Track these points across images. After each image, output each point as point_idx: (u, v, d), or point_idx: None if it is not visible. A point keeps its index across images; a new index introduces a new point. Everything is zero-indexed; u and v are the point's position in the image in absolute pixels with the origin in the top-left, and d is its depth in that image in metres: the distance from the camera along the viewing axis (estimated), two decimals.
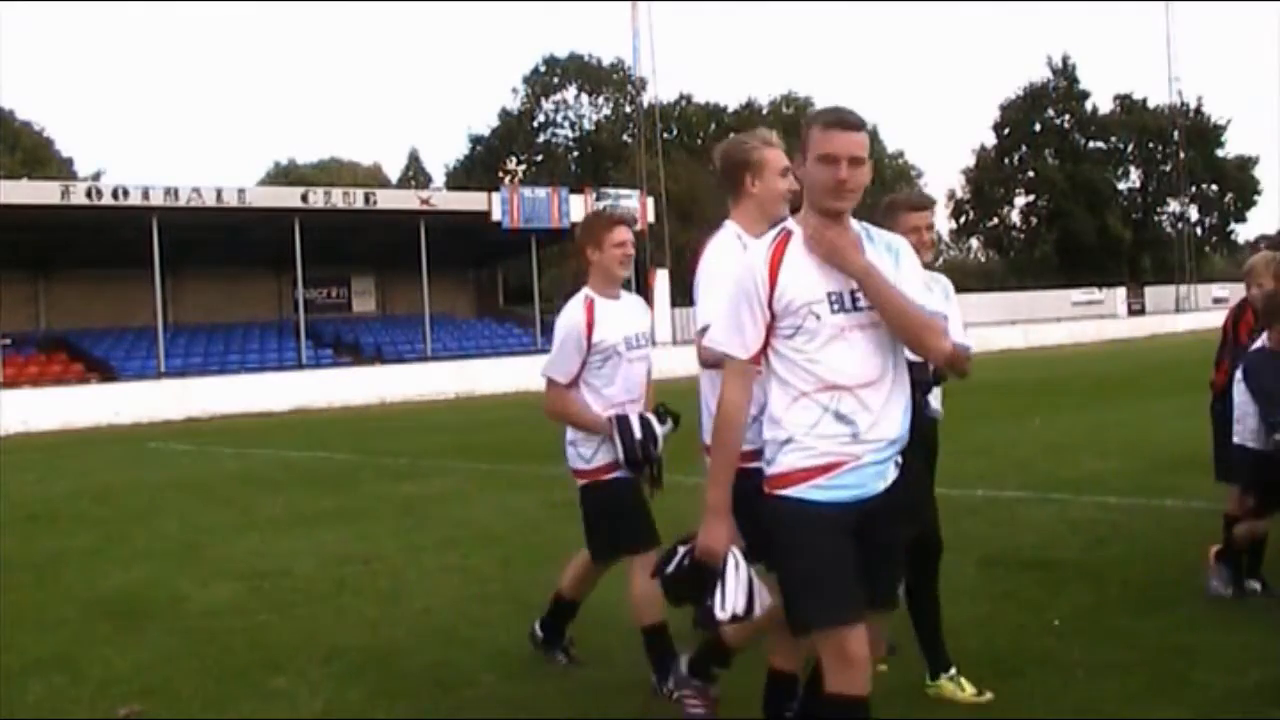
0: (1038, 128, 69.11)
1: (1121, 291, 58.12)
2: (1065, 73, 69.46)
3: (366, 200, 33.87)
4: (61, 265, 34.65)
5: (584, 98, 61.77)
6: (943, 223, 71.44)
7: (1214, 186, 70.96)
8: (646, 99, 51.88)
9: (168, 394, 27.92)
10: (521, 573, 7.01)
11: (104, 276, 34.80)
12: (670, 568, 3.22)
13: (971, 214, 72.69)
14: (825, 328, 2.94)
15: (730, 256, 3.50)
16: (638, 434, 4.51)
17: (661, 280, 40.26)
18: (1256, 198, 71.52)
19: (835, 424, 2.93)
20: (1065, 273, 62.98)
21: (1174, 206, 70.67)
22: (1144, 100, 70.01)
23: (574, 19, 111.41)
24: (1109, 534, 7.12)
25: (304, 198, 32.90)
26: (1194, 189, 68.31)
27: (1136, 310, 57.08)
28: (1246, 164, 70.68)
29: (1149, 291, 61.06)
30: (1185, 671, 4.36)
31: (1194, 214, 70.29)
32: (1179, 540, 6.72)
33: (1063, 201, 66.94)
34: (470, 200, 36.89)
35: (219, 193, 30.91)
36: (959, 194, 72.42)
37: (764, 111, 64.57)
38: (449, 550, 7.92)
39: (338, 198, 33.31)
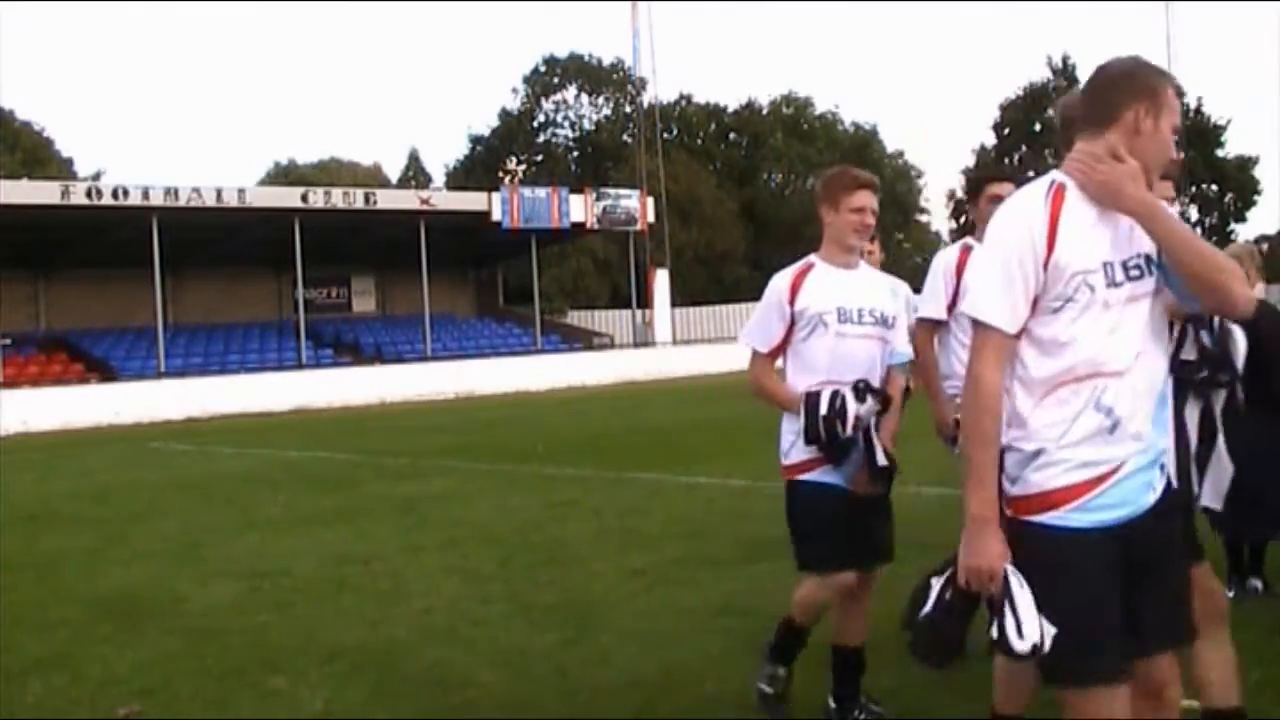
0: (1038, 128, 69.14)
1: None
2: (1065, 73, 69.39)
3: (366, 200, 33.89)
4: (61, 265, 34.67)
5: (584, 98, 61.70)
6: (942, 223, 71.43)
7: (1214, 186, 70.95)
8: (646, 99, 51.93)
9: (168, 394, 27.94)
10: (521, 573, 7.01)
11: (104, 276, 34.82)
12: (929, 610, 2.63)
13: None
14: (1096, 303, 2.50)
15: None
16: (823, 410, 3.94)
17: (661, 280, 40.30)
18: (1256, 198, 71.49)
19: (1096, 423, 2.50)
20: None
21: (1174, 207, 70.64)
22: None
23: (574, 19, 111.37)
24: None
25: (304, 198, 32.92)
26: (1194, 189, 68.34)
27: None
28: (1246, 164, 70.66)
29: None
30: (1185, 671, 4.35)
31: (1194, 214, 70.29)
32: None
33: None
34: (470, 200, 36.91)
35: (219, 193, 30.92)
36: (959, 194, 72.54)
37: (764, 112, 64.58)
38: (449, 550, 7.92)
39: (338, 198, 33.33)
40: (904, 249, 63.28)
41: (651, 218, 39.83)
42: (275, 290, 38.83)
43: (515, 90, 63.25)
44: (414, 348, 36.63)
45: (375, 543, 8.42)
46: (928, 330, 4.66)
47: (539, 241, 38.41)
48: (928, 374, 4.65)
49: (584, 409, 23.00)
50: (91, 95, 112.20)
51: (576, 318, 46.10)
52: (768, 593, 6.12)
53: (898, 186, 67.29)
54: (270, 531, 9.22)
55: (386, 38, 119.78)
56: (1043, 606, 2.47)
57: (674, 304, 41.50)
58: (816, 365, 4.06)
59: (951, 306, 4.63)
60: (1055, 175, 2.65)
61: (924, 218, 70.90)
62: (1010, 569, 2.54)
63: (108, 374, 31.37)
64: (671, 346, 39.57)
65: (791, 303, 4.07)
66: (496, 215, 35.13)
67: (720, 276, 55.82)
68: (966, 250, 4.68)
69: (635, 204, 38.85)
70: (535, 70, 61.37)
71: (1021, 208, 2.61)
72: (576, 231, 39.41)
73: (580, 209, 37.26)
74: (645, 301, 40.53)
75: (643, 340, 39.93)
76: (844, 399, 3.97)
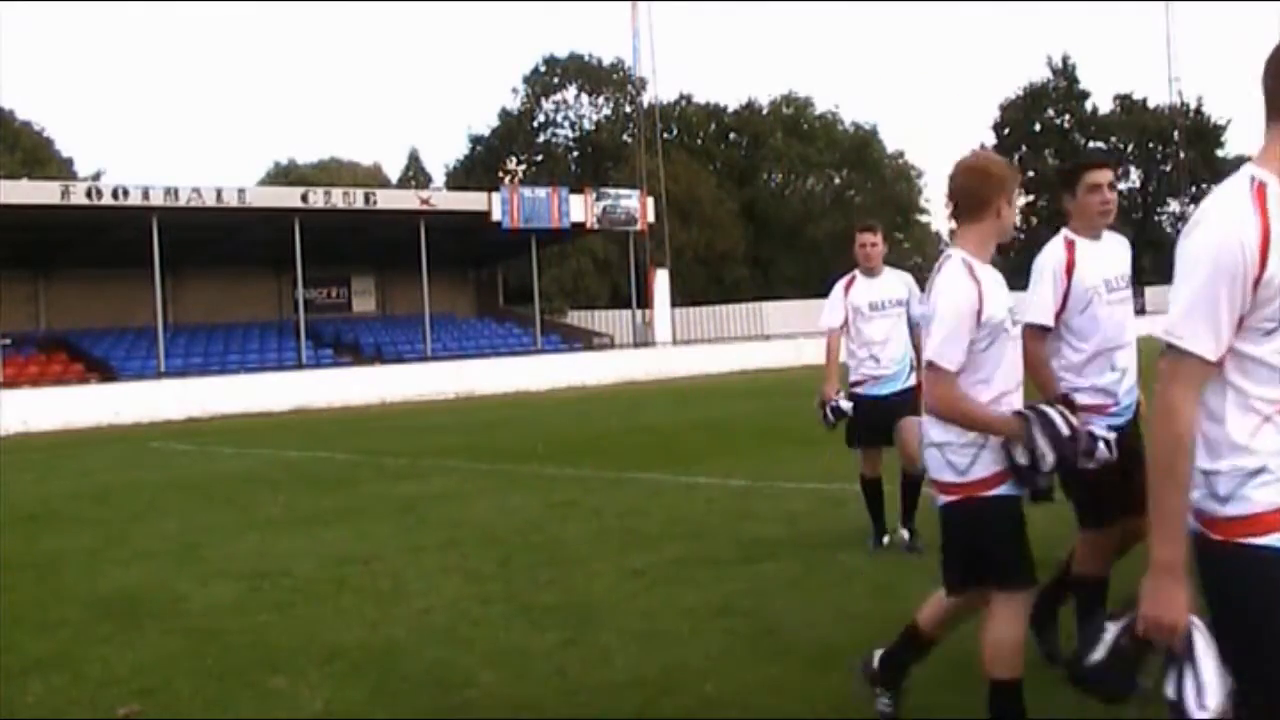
0: (1038, 128, 69.11)
1: None
2: (1065, 73, 69.45)
3: (366, 200, 33.89)
4: (61, 265, 34.68)
5: (584, 98, 61.72)
6: (943, 223, 71.32)
7: (1214, 186, 70.95)
8: (646, 99, 51.95)
9: (168, 394, 27.93)
10: (521, 573, 7.01)
11: (104, 276, 34.83)
12: (1100, 655, 2.50)
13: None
14: None
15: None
16: (1064, 430, 3.60)
17: (661, 280, 40.31)
18: None
19: None
20: None
21: (1174, 206, 70.67)
22: (1144, 100, 70.02)
23: (574, 19, 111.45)
24: None
25: (304, 198, 32.92)
26: (1194, 189, 68.27)
27: (1136, 310, 56.92)
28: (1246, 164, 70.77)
29: (1149, 291, 60.94)
30: None
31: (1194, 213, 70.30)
32: None
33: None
34: (470, 200, 36.92)
35: (219, 193, 30.92)
36: None
37: (764, 112, 64.61)
38: (449, 550, 7.92)
39: (338, 198, 33.33)
40: (904, 249, 63.23)
41: (651, 218, 39.83)
42: (275, 290, 38.84)
43: (515, 90, 63.38)
44: (414, 348, 36.63)
45: (375, 543, 8.42)
46: (1038, 337, 4.42)
47: (539, 241, 38.41)
48: (1047, 384, 4.40)
49: (584, 409, 23.00)
50: (91, 95, 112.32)
51: (576, 318, 46.11)
52: (768, 593, 6.12)
53: (897, 187, 67.28)
54: (270, 531, 9.21)
55: (386, 38, 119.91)
56: (1273, 632, 2.25)
57: (674, 304, 41.50)
58: (994, 376, 3.67)
59: (1062, 310, 4.45)
60: (1254, 172, 2.32)
61: (924, 218, 70.90)
62: (1196, 623, 2.35)
63: (108, 374, 31.37)
64: (671, 346, 39.58)
65: (979, 313, 3.61)
66: (496, 215, 35.13)
67: (720, 276, 55.84)
68: (1071, 246, 4.53)
69: (635, 204, 38.85)
70: (535, 70, 61.42)
71: (1228, 216, 2.27)
72: (576, 231, 39.42)
73: (580, 209, 37.26)
74: (645, 301, 40.54)
75: (643, 340, 39.94)
76: (1068, 415, 3.69)
